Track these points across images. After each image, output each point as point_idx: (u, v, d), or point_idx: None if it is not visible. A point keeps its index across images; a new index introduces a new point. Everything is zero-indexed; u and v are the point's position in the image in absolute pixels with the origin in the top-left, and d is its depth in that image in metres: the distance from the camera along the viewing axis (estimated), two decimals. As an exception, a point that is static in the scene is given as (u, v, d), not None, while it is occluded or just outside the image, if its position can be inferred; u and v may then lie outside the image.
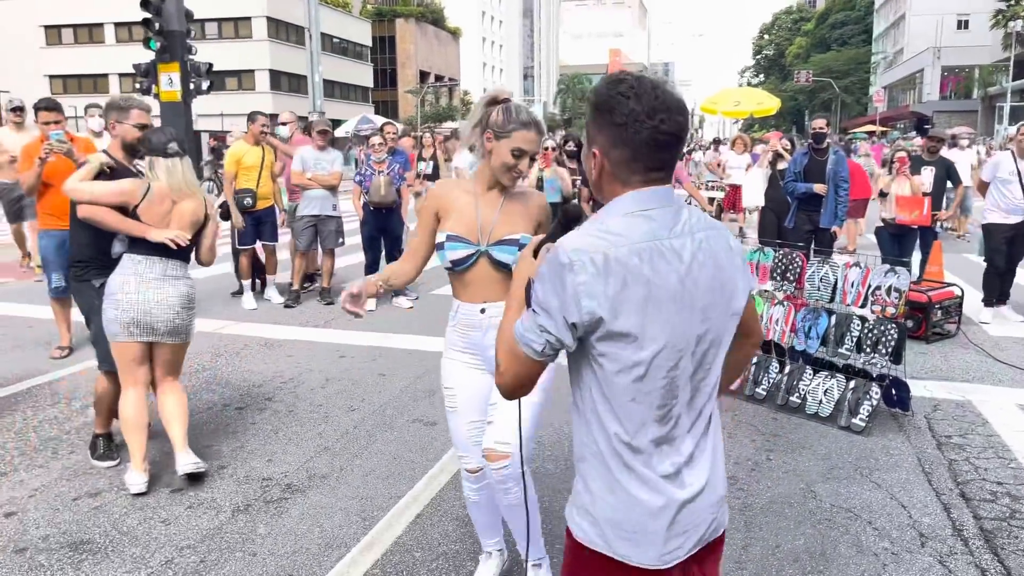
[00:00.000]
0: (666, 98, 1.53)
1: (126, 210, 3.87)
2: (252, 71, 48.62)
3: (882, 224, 8.12)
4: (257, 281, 8.49)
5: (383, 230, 7.93)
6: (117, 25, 49.90)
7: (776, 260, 5.45)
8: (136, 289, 3.81)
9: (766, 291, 5.50)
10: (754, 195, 10.76)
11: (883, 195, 8.15)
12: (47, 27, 51.69)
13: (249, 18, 48.50)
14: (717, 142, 20.74)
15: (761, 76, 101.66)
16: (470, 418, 2.87)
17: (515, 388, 1.62)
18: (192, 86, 14.12)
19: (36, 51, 51.38)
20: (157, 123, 13.86)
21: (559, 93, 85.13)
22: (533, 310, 1.54)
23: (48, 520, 3.59)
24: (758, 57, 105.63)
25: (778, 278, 5.41)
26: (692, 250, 1.55)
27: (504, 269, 2.70)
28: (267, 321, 7.44)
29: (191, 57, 13.96)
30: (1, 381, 5.56)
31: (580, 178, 7.91)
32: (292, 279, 8.29)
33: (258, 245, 8.21)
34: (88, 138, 6.88)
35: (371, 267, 8.05)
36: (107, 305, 3.84)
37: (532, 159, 2.68)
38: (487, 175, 2.73)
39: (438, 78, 63.85)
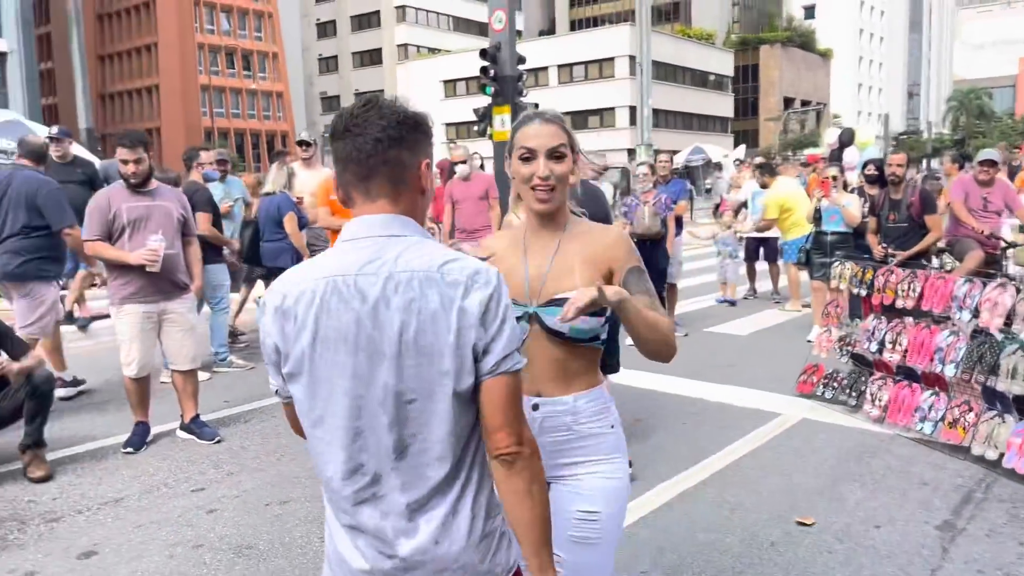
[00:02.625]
0: (364, 117, 1.48)
1: None
2: (613, 108, 50.73)
3: None
4: None
5: (646, 263, 7.51)
6: (500, 76, 55.70)
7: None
8: None
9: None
10: None
11: None
12: (445, 81, 59.30)
13: (612, 58, 50.74)
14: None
15: None
16: None
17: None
18: (521, 126, 15.08)
19: (437, 103, 59.23)
20: (491, 164, 15.04)
21: (949, 111, 75.77)
22: None
23: (235, 521, 3.97)
24: None
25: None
26: (382, 291, 1.41)
27: (560, 342, 2.02)
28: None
29: (521, 99, 14.95)
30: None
31: (868, 206, 6.83)
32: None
33: None
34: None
35: (635, 301, 7.78)
36: None
37: (559, 157, 2.02)
38: (525, 208, 2.14)
39: (804, 103, 60.69)
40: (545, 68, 52.79)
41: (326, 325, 1.41)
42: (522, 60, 15.03)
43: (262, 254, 7.12)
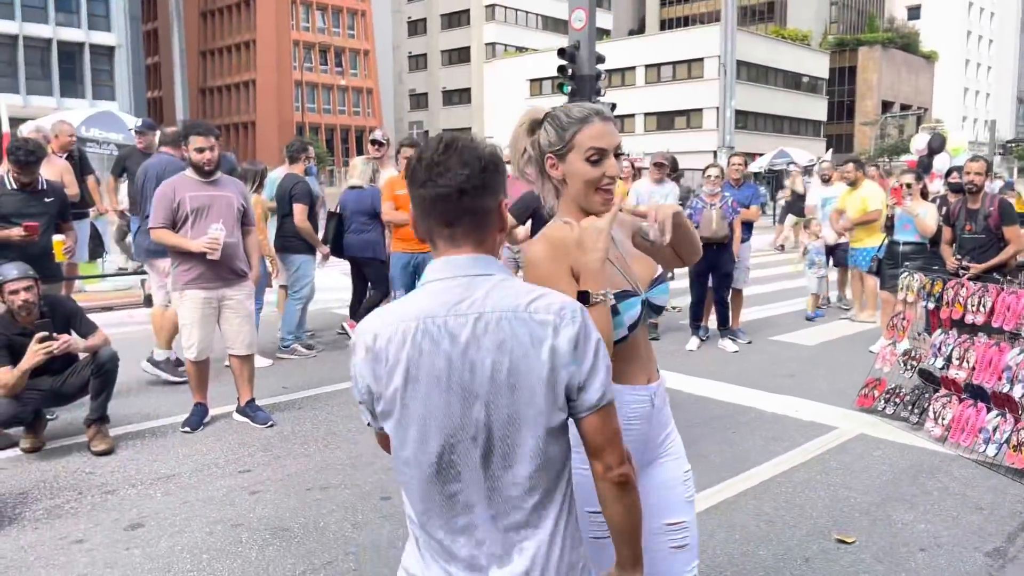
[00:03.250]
0: (445, 164, 1.47)
1: None
2: (700, 109, 49.85)
3: None
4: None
5: (712, 266, 7.47)
6: (586, 74, 55.48)
7: None
8: None
9: None
10: None
11: None
12: (531, 80, 59.47)
13: (701, 59, 49.85)
14: None
15: None
16: None
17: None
18: (597, 125, 14.98)
19: (522, 101, 59.47)
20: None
21: (1064, 119, 71.66)
22: None
23: (275, 503, 4.09)
24: None
25: None
26: (472, 332, 1.43)
27: (646, 324, 2.04)
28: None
29: (599, 99, 14.84)
30: (331, 380, 6.48)
31: (944, 212, 6.51)
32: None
33: None
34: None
35: (696, 305, 7.66)
36: None
37: (619, 155, 1.95)
38: (577, 213, 1.94)
39: (904, 107, 58.31)
40: (632, 68, 52.32)
41: (418, 366, 1.44)
42: (601, 59, 14.91)
43: (347, 245, 7.29)
